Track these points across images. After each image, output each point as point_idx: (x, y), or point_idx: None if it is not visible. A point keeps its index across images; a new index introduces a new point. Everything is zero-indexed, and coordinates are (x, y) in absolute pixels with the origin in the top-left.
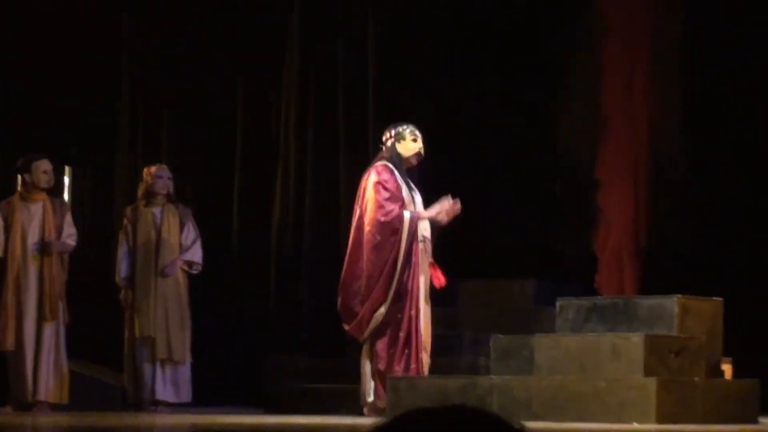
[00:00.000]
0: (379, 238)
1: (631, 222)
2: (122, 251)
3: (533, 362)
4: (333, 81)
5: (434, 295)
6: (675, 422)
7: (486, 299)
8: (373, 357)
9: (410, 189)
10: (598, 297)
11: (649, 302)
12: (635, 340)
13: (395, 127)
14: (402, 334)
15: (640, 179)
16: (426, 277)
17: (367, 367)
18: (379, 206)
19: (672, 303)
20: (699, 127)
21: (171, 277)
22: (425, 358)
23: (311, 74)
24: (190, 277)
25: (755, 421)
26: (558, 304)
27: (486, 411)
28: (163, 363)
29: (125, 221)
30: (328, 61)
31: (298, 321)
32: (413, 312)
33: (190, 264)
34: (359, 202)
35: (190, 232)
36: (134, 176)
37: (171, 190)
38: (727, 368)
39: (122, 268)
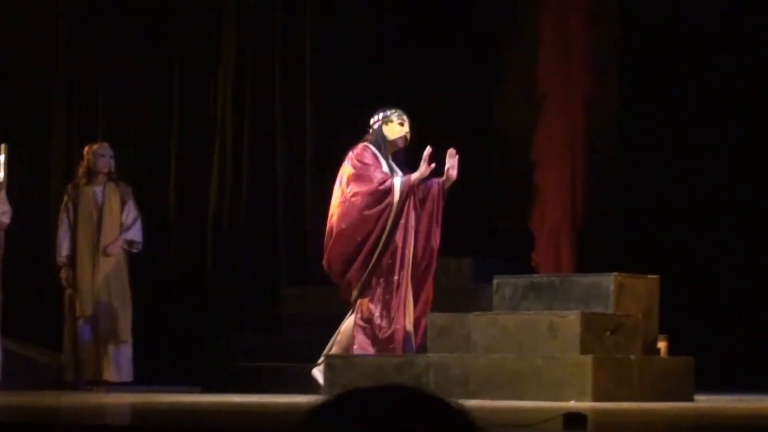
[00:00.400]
0: (368, 206)
1: (568, 200)
2: (63, 229)
3: (470, 340)
4: (270, 56)
5: None
6: (611, 400)
7: None
8: (358, 316)
9: (392, 170)
10: (535, 275)
11: (585, 280)
12: (572, 318)
13: (383, 111)
14: (389, 297)
15: (576, 157)
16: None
17: (339, 331)
18: (363, 178)
19: (608, 281)
20: (635, 105)
21: (112, 256)
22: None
23: (248, 49)
24: (129, 256)
25: (691, 399)
26: (495, 282)
27: (425, 391)
28: (105, 342)
29: (66, 199)
30: (265, 36)
31: (237, 299)
32: (404, 274)
33: (130, 243)
34: (340, 183)
35: (131, 211)
36: (70, 154)
37: (112, 168)
38: (662, 345)
39: (63, 247)
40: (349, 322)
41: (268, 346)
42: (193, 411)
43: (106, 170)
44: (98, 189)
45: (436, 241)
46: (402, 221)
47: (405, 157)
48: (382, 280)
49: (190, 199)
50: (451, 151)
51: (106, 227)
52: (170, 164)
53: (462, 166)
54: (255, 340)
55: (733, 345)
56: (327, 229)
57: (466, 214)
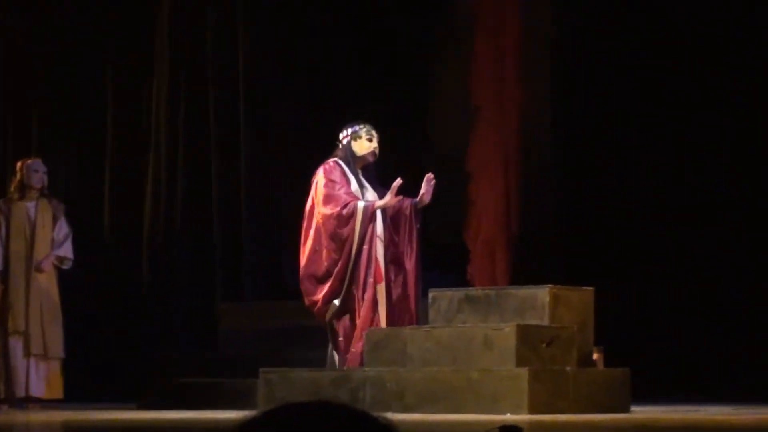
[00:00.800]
0: (332, 229)
1: (503, 212)
2: None
3: (406, 354)
4: (203, 71)
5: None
6: (547, 412)
7: None
8: (334, 336)
9: (362, 186)
10: (471, 288)
11: (520, 292)
12: (507, 331)
13: (352, 126)
14: (359, 321)
15: (510, 170)
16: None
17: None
18: (330, 199)
19: (544, 293)
20: (568, 117)
21: (45, 272)
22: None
23: (181, 64)
24: (62, 272)
25: (627, 410)
26: (430, 295)
27: (353, 407)
28: (36, 359)
29: None
30: (199, 51)
31: (172, 314)
32: (368, 295)
33: (61, 260)
34: (312, 203)
35: (63, 228)
36: (4, 169)
37: (45, 184)
38: (598, 357)
39: None
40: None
41: (204, 361)
42: (129, 428)
43: (39, 186)
44: (31, 204)
45: (410, 262)
46: (365, 247)
47: (376, 170)
48: (349, 304)
49: (125, 213)
50: (429, 176)
51: (39, 243)
52: (105, 179)
53: (395, 179)
54: (191, 355)
55: (669, 356)
56: (301, 243)
57: None
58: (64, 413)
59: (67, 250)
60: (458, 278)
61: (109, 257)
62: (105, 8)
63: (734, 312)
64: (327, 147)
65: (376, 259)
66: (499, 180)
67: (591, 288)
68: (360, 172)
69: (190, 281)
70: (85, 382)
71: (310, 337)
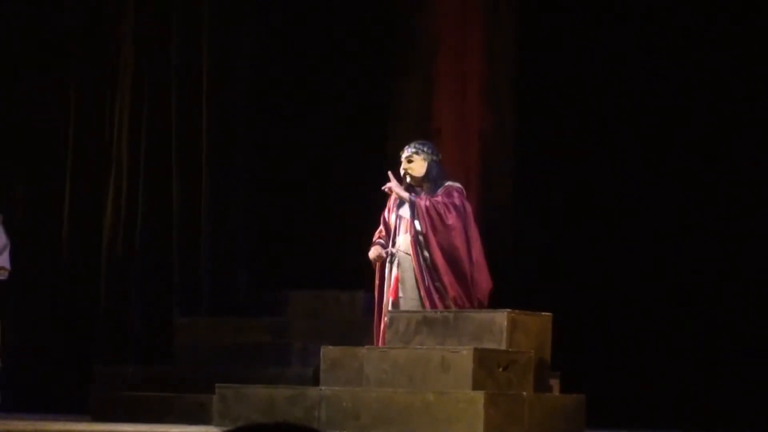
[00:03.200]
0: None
1: None
2: None
3: (362, 374)
4: (167, 85)
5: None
6: None
7: (316, 310)
8: None
9: (399, 206)
10: (428, 310)
11: (479, 316)
12: (464, 354)
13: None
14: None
15: (470, 192)
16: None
17: None
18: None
19: (501, 317)
20: (531, 141)
21: None
22: None
23: (145, 78)
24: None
25: None
26: (388, 316)
27: (314, 429)
28: None
29: None
30: (162, 65)
31: (130, 328)
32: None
33: None
34: None
35: (0, 238)
36: None
37: None
38: (554, 383)
39: None
40: None
41: (160, 376)
42: None
43: None
44: None
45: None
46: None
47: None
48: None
49: (85, 227)
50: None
51: None
52: (65, 192)
53: (357, 200)
54: (147, 369)
55: (624, 383)
56: None
57: (361, 247)
58: (24, 423)
59: (4, 260)
60: None
61: (68, 270)
62: (69, 20)
63: (690, 339)
64: (285, 166)
65: (388, 281)
66: None
67: (549, 314)
68: (415, 189)
69: (147, 295)
70: (38, 393)
71: (267, 354)
